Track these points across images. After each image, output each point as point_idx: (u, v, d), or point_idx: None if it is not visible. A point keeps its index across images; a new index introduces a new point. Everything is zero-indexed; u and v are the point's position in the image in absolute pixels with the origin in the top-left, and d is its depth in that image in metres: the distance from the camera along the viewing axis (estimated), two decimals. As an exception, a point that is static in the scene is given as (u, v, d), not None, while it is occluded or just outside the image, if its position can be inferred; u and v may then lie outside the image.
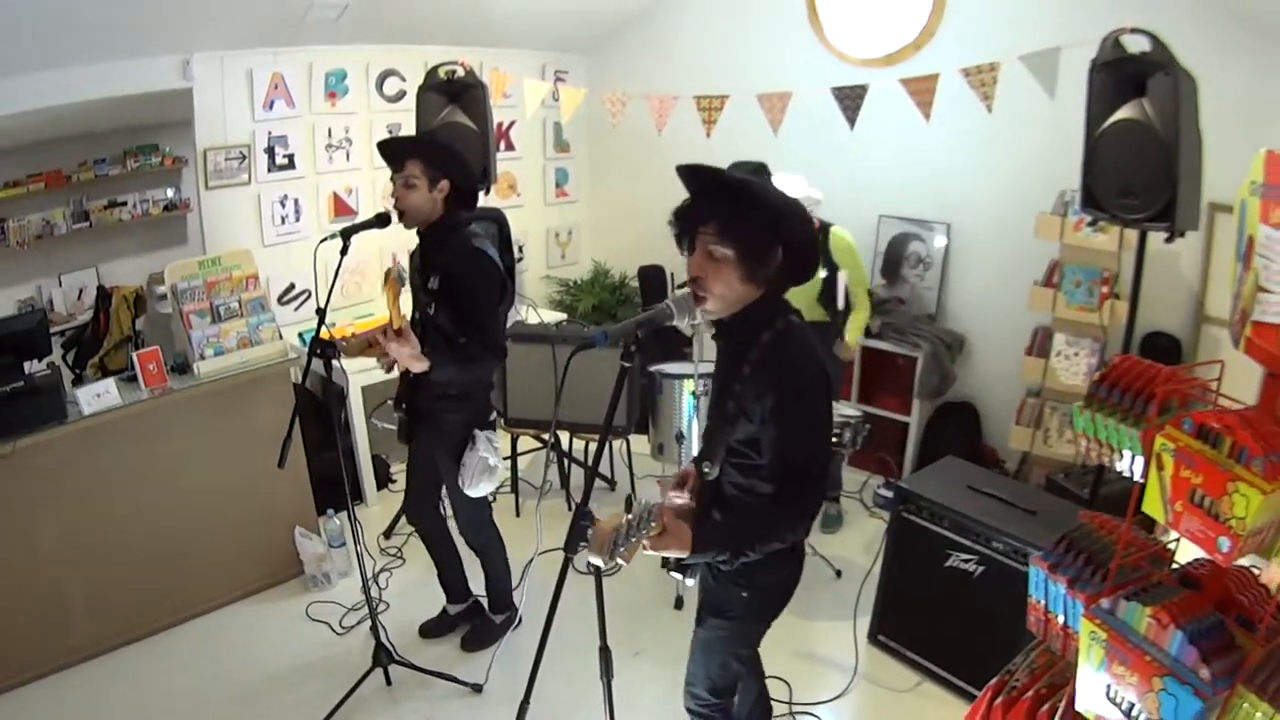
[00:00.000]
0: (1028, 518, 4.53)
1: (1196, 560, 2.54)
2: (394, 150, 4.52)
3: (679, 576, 3.36)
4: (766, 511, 3.01)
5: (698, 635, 3.54)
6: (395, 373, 4.75)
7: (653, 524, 2.73)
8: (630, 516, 2.75)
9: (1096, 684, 2.39)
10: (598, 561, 2.72)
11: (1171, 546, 2.61)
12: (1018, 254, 6.63)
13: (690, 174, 3.00)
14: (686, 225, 3.02)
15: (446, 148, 4.71)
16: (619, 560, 2.68)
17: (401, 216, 4.50)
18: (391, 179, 4.48)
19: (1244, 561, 2.42)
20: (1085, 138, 4.69)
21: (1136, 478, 2.37)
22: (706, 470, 3.20)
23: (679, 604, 5.70)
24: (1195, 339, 5.96)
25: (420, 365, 4.30)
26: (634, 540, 2.69)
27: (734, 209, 2.90)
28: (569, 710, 4.71)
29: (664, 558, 5.52)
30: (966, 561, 4.64)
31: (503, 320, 4.76)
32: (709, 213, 2.94)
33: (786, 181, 5.54)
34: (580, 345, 2.99)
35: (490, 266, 4.54)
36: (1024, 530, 4.40)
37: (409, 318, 4.62)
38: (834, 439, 5.32)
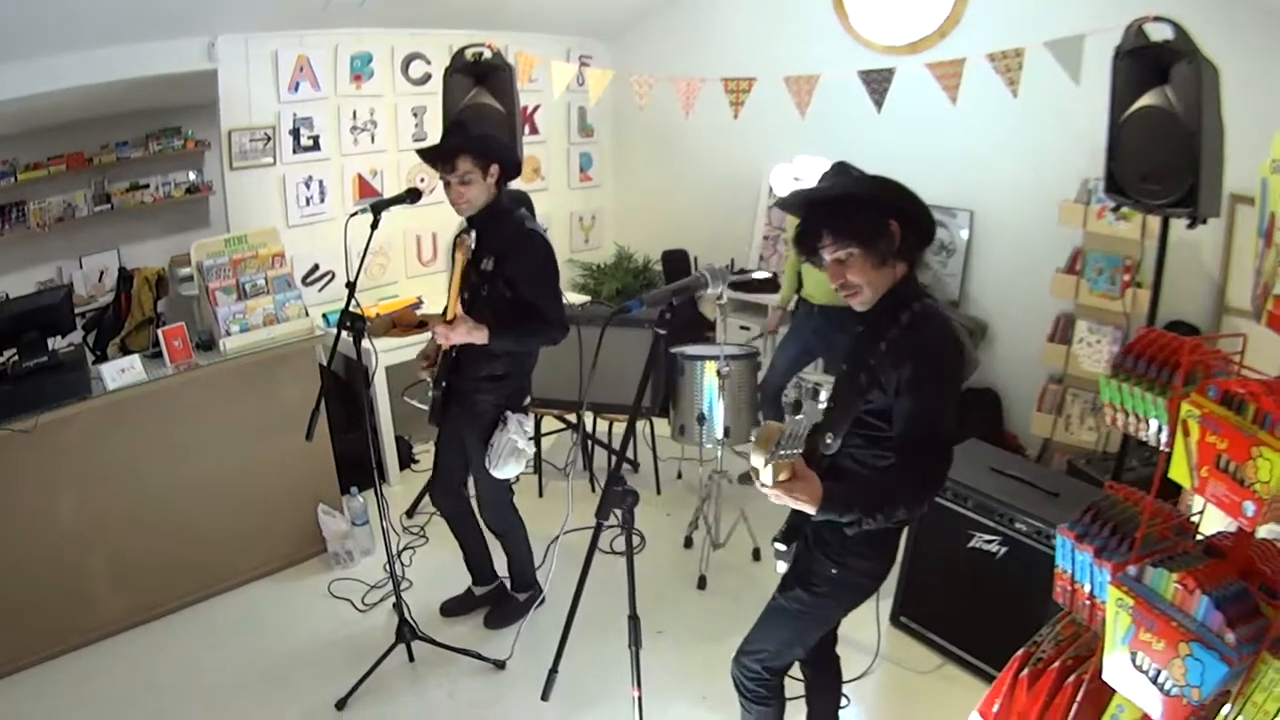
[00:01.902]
0: (1050, 499, 4.54)
1: (1220, 532, 2.56)
2: (444, 153, 4.52)
3: (782, 547, 3.42)
4: (898, 477, 3.06)
5: (775, 602, 3.55)
6: (431, 362, 4.81)
7: (799, 450, 2.75)
8: (792, 425, 2.72)
9: (1122, 653, 2.40)
10: (758, 461, 2.75)
11: (1195, 519, 2.63)
12: (1041, 241, 6.65)
13: (794, 204, 3.26)
14: (809, 247, 3.19)
15: (488, 136, 4.77)
16: (768, 472, 2.75)
17: (463, 210, 4.55)
18: (441, 178, 4.51)
19: (1265, 534, 2.45)
20: (1109, 124, 4.70)
21: (1162, 446, 2.39)
22: (829, 441, 3.21)
23: (702, 584, 5.72)
24: (1216, 329, 5.94)
25: (481, 335, 4.39)
26: (790, 452, 2.72)
27: (835, 214, 3.09)
28: (594, 683, 4.75)
29: (687, 540, 5.55)
30: (989, 542, 4.65)
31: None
32: (818, 228, 3.11)
33: (808, 164, 5.58)
34: (615, 312, 3.02)
35: (546, 247, 4.61)
36: (1047, 511, 4.41)
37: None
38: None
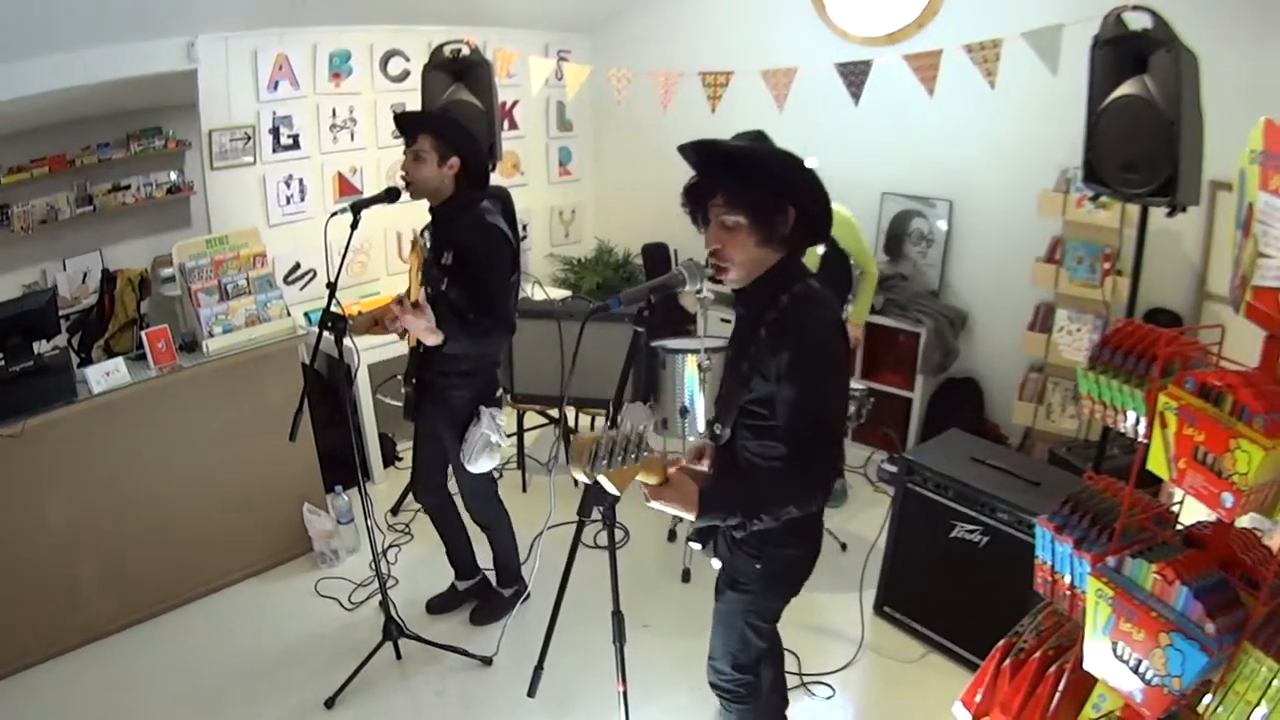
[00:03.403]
0: (1031, 488, 4.56)
1: (1200, 522, 2.58)
2: (407, 123, 4.54)
3: (696, 547, 3.40)
4: (779, 474, 2.99)
5: (718, 609, 3.55)
6: (409, 343, 4.80)
7: (644, 452, 2.63)
8: (614, 433, 2.63)
9: (1103, 642, 2.42)
10: (579, 475, 2.62)
11: (1175, 509, 2.65)
12: (1020, 230, 6.66)
13: (692, 150, 3.01)
14: (697, 201, 3.04)
15: (459, 125, 4.73)
16: (605, 483, 2.60)
17: (410, 190, 4.53)
18: (404, 152, 4.50)
19: (1246, 523, 2.46)
20: (1087, 114, 4.71)
21: (1140, 438, 2.40)
22: (718, 432, 3.19)
23: (686, 577, 5.74)
24: (1197, 316, 5.96)
25: (435, 338, 4.31)
26: (621, 463, 2.58)
27: (738, 176, 2.92)
28: (580, 678, 4.74)
29: (671, 533, 5.55)
30: (971, 532, 4.67)
31: (515, 295, 4.76)
32: (715, 184, 2.96)
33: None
34: (594, 309, 3.01)
35: (504, 242, 4.56)
36: (1028, 500, 4.43)
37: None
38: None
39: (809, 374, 2.88)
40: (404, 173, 4.50)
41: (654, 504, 2.80)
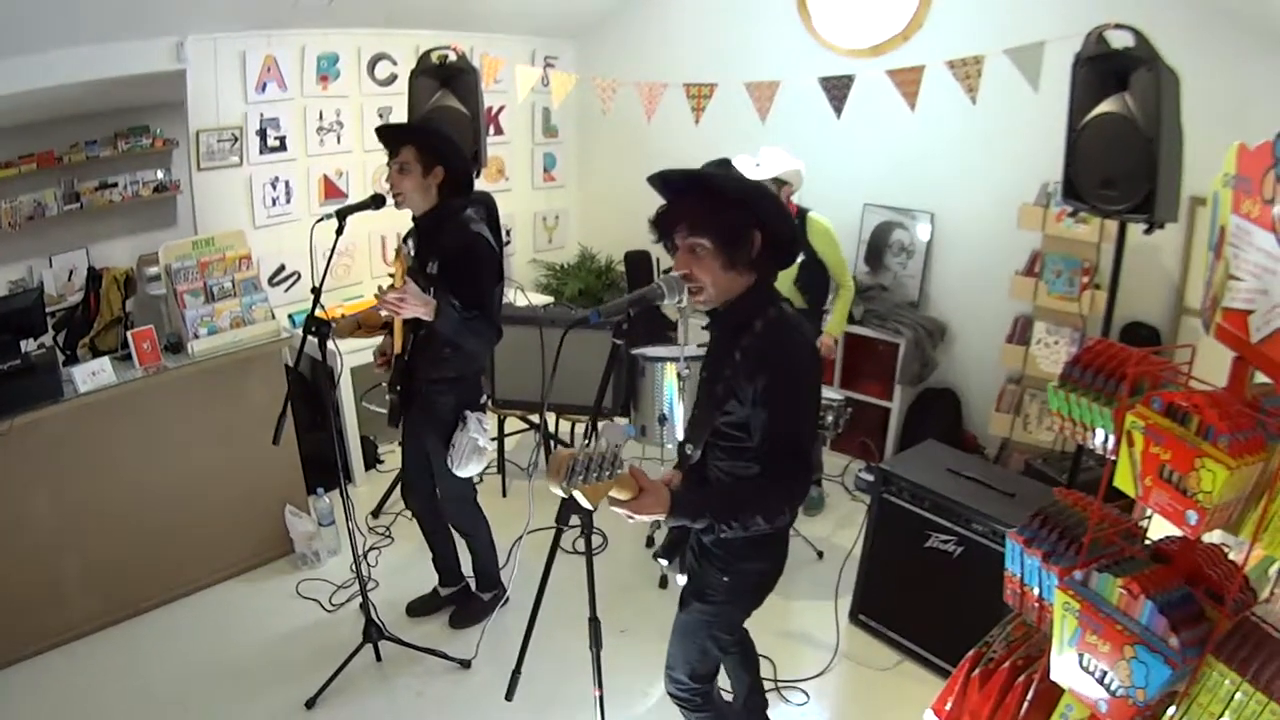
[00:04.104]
0: (1006, 500, 4.61)
1: (1167, 537, 2.62)
2: (390, 135, 4.57)
3: (664, 562, 3.46)
4: (751, 487, 3.05)
5: (679, 619, 3.62)
6: (395, 348, 4.83)
7: (619, 470, 2.67)
8: (590, 448, 2.64)
9: (1070, 654, 2.46)
10: (555, 489, 2.63)
11: (1144, 524, 2.69)
12: (1000, 244, 6.71)
13: (659, 181, 3.09)
14: (664, 228, 3.12)
15: (442, 135, 4.75)
16: (579, 497, 2.63)
17: (397, 200, 4.55)
18: (388, 163, 4.52)
19: (1216, 538, 2.51)
20: (1067, 130, 4.75)
21: (1108, 455, 2.45)
22: (689, 452, 3.26)
23: (663, 583, 5.79)
24: (1175, 331, 6.03)
25: (427, 309, 4.31)
26: (596, 479, 2.61)
27: (701, 202, 3.01)
28: (557, 682, 4.80)
29: (649, 539, 5.58)
30: (946, 542, 4.72)
31: (499, 302, 4.79)
32: (680, 212, 3.05)
33: (768, 154, 5.65)
34: (574, 322, 3.04)
35: (490, 250, 4.59)
36: (1002, 512, 4.48)
37: None
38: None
39: (784, 399, 2.98)
40: (390, 185, 4.52)
41: (633, 515, 2.84)
